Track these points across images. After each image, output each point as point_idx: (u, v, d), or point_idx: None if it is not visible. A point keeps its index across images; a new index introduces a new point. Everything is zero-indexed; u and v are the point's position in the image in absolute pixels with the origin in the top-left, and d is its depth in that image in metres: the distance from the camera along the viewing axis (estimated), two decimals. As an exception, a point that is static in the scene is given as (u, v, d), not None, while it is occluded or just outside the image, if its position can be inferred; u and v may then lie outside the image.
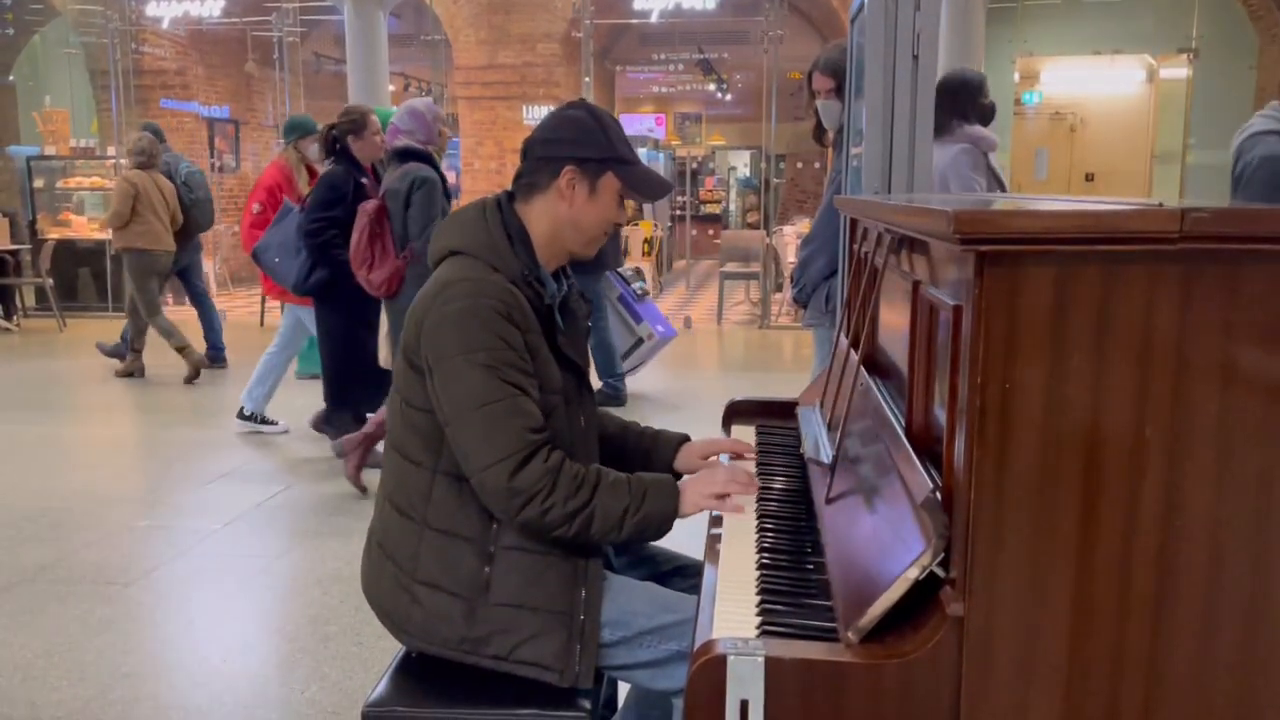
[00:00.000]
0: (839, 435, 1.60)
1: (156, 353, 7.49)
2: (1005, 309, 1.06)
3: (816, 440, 1.80)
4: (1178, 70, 11.56)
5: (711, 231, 16.84)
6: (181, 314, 8.01)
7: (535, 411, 1.63)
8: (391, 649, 2.86)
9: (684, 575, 1.91)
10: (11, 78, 14.15)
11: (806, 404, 2.19)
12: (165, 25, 12.57)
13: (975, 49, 7.04)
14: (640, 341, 6.50)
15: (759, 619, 1.30)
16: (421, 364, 1.67)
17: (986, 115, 3.85)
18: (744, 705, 1.13)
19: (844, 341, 1.95)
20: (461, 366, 1.61)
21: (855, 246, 2.19)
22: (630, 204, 1.88)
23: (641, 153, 1.73)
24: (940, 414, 1.28)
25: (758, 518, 1.69)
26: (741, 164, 20.21)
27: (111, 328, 7.54)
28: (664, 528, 1.69)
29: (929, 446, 1.33)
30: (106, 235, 7.05)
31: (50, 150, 11.50)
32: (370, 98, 8.05)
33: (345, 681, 2.79)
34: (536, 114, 12.34)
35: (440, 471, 1.69)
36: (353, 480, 4.36)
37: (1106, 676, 1.10)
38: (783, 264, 9.90)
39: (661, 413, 6.07)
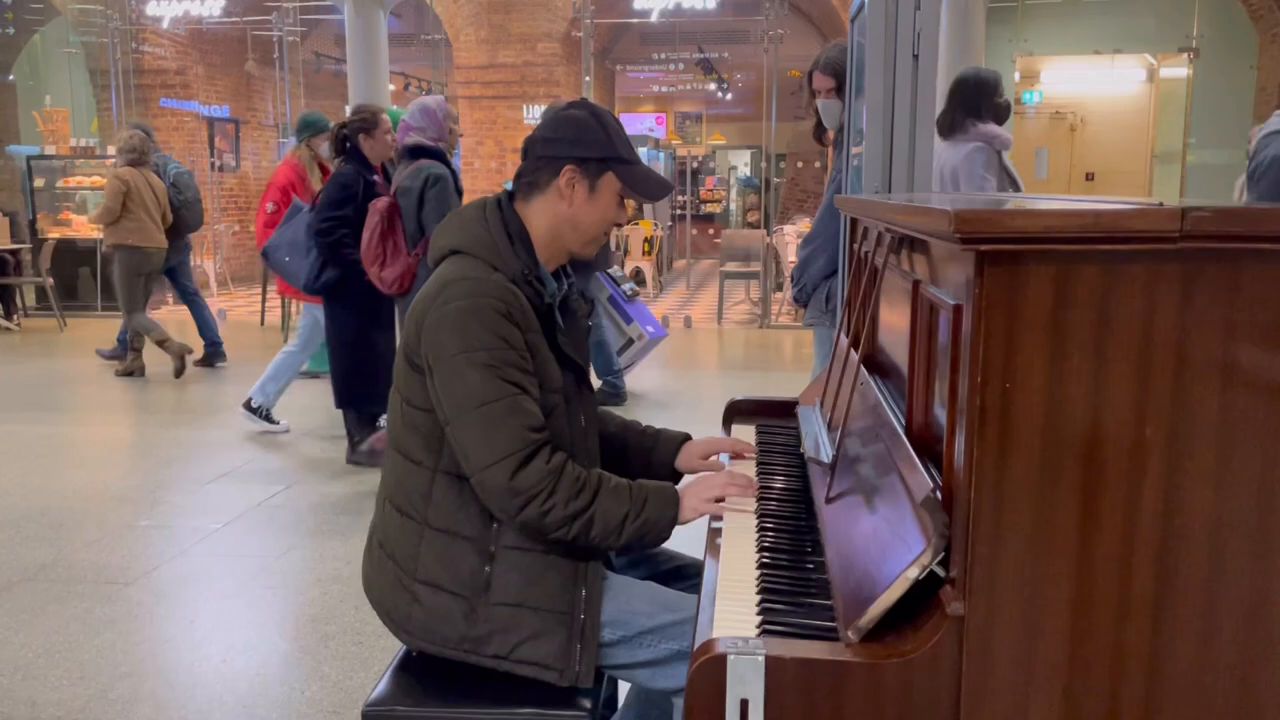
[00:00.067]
0: (839, 435, 1.60)
1: (156, 352, 7.50)
2: (1006, 308, 1.06)
3: (817, 439, 1.80)
4: (1178, 70, 11.56)
5: (712, 231, 16.84)
6: (179, 314, 8.00)
7: (536, 411, 1.63)
8: (391, 648, 2.86)
9: (684, 575, 1.91)
10: (11, 77, 14.16)
11: (807, 403, 2.19)
12: (165, 24, 12.58)
13: (975, 48, 7.04)
14: (631, 342, 6.50)
15: (759, 618, 1.30)
16: (421, 363, 1.67)
17: (1001, 114, 3.86)
18: (744, 704, 1.13)
19: (844, 341, 1.95)
20: (461, 366, 1.61)
21: (855, 246, 2.19)
22: (630, 203, 1.88)
23: (641, 152, 1.73)
24: (940, 413, 1.28)
25: (758, 517, 1.69)
26: (742, 163, 20.22)
27: (111, 328, 7.54)
28: (663, 535, 1.69)
29: (929, 446, 1.33)
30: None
31: (50, 150, 11.51)
32: (370, 97, 8.05)
33: (345, 681, 2.79)
34: (537, 113, 12.33)
35: (440, 471, 1.69)
36: None
37: (1106, 676, 1.10)
38: (783, 263, 9.91)
39: (662, 412, 6.07)
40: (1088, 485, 1.07)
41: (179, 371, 7.06)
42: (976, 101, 3.80)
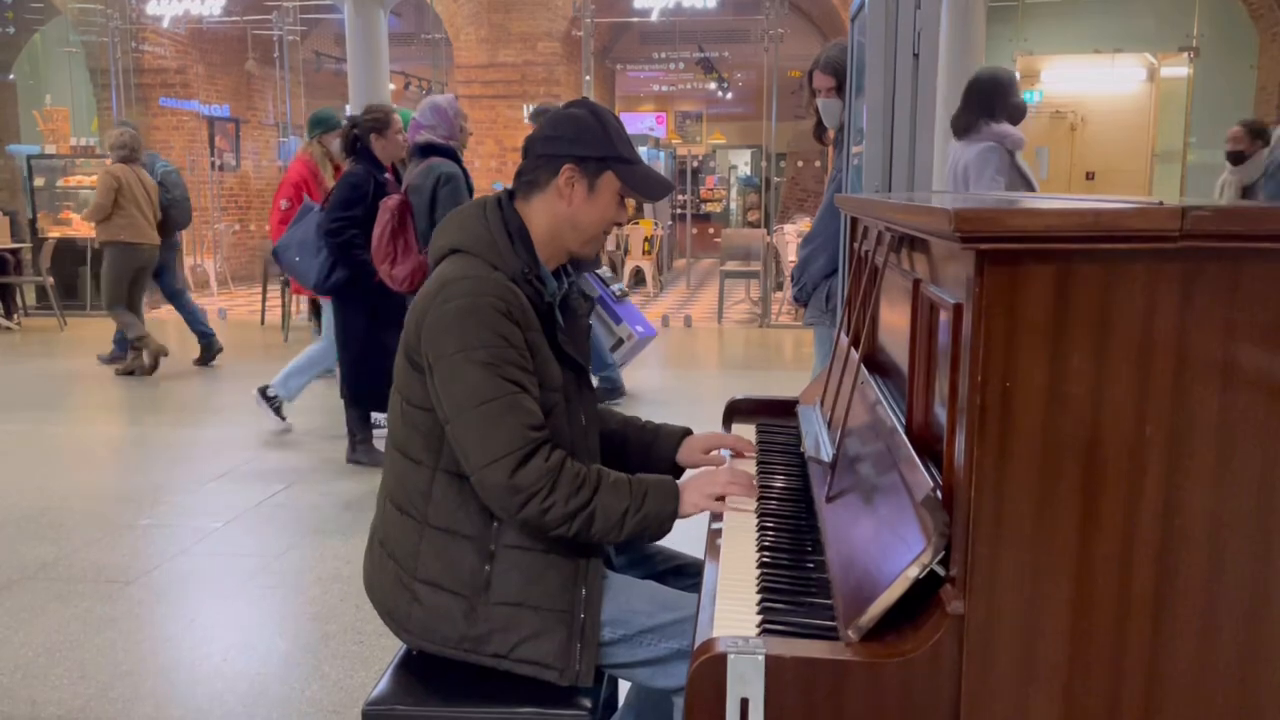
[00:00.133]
0: (839, 434, 1.60)
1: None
2: (1006, 307, 1.06)
3: (817, 439, 1.80)
4: (1178, 69, 11.56)
5: (712, 230, 16.84)
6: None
7: (535, 409, 1.63)
8: (391, 647, 2.86)
9: (684, 574, 1.92)
10: (12, 76, 14.15)
11: (807, 402, 2.19)
12: (165, 24, 12.57)
13: (976, 47, 7.03)
14: (620, 342, 6.51)
15: (759, 617, 1.30)
16: (421, 362, 1.67)
17: (1016, 114, 3.86)
18: (744, 704, 1.13)
19: (844, 340, 1.95)
20: (461, 364, 1.61)
21: (856, 245, 2.19)
22: (630, 203, 1.88)
23: (641, 151, 1.73)
24: (941, 412, 1.28)
25: (758, 516, 1.69)
26: (742, 162, 20.22)
27: (111, 327, 7.54)
28: (664, 528, 1.69)
29: (929, 445, 1.33)
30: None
31: (51, 149, 11.50)
32: (371, 96, 8.03)
33: (345, 680, 2.79)
34: (538, 113, 12.31)
35: (440, 470, 1.69)
36: None
37: (1107, 675, 1.10)
38: (783, 263, 9.90)
39: (662, 411, 6.06)
40: (1088, 484, 1.07)
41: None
42: (990, 101, 3.81)
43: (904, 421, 1.42)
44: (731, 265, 10.47)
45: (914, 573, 1.12)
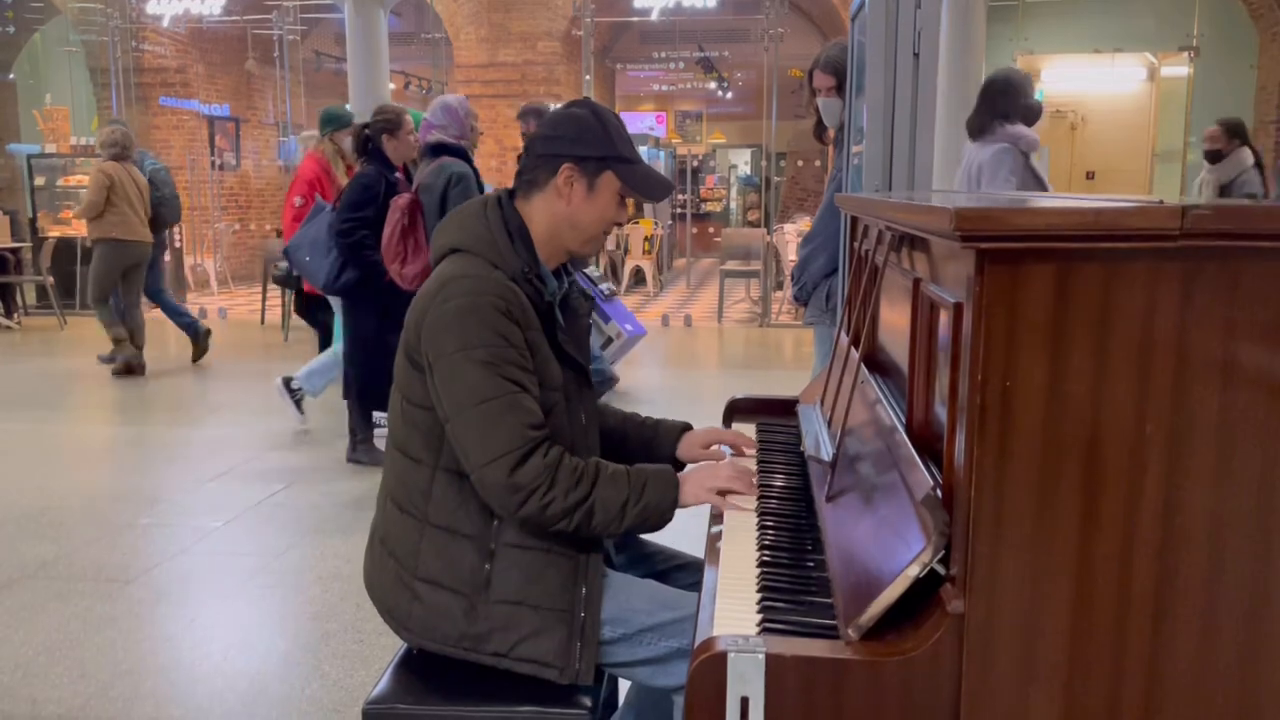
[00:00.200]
0: (839, 433, 1.60)
1: (156, 350, 7.50)
2: (1006, 306, 1.06)
3: (817, 438, 1.80)
4: (1178, 68, 11.56)
5: (712, 229, 16.84)
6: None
7: (535, 408, 1.63)
8: (391, 646, 2.86)
9: (684, 573, 1.92)
10: (12, 75, 14.15)
11: (807, 402, 2.19)
12: (165, 23, 12.57)
13: (976, 47, 7.03)
14: (609, 340, 6.52)
15: (760, 616, 1.30)
16: (421, 361, 1.67)
17: (1031, 115, 3.87)
18: (744, 702, 1.13)
19: (844, 339, 1.95)
20: (461, 363, 1.61)
21: (856, 244, 2.19)
22: (631, 202, 1.88)
23: (641, 151, 1.73)
24: (941, 411, 1.28)
25: (758, 515, 1.69)
26: (742, 162, 20.21)
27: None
28: (665, 518, 1.69)
29: (929, 444, 1.33)
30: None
31: (51, 148, 11.49)
32: (371, 96, 8.04)
33: (345, 679, 2.79)
34: (538, 112, 12.32)
35: (440, 468, 1.69)
36: None
37: (1107, 674, 1.10)
38: (783, 262, 9.90)
39: (662, 410, 6.04)
40: (1088, 483, 1.07)
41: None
42: (1004, 103, 3.82)
43: (904, 420, 1.42)
44: (731, 265, 10.47)
45: (914, 572, 1.12)
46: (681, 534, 1.84)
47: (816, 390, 2.13)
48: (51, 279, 9.55)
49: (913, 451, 1.30)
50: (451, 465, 1.68)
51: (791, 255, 8.73)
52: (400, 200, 4.24)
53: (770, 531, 1.62)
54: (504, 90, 13.31)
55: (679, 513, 1.72)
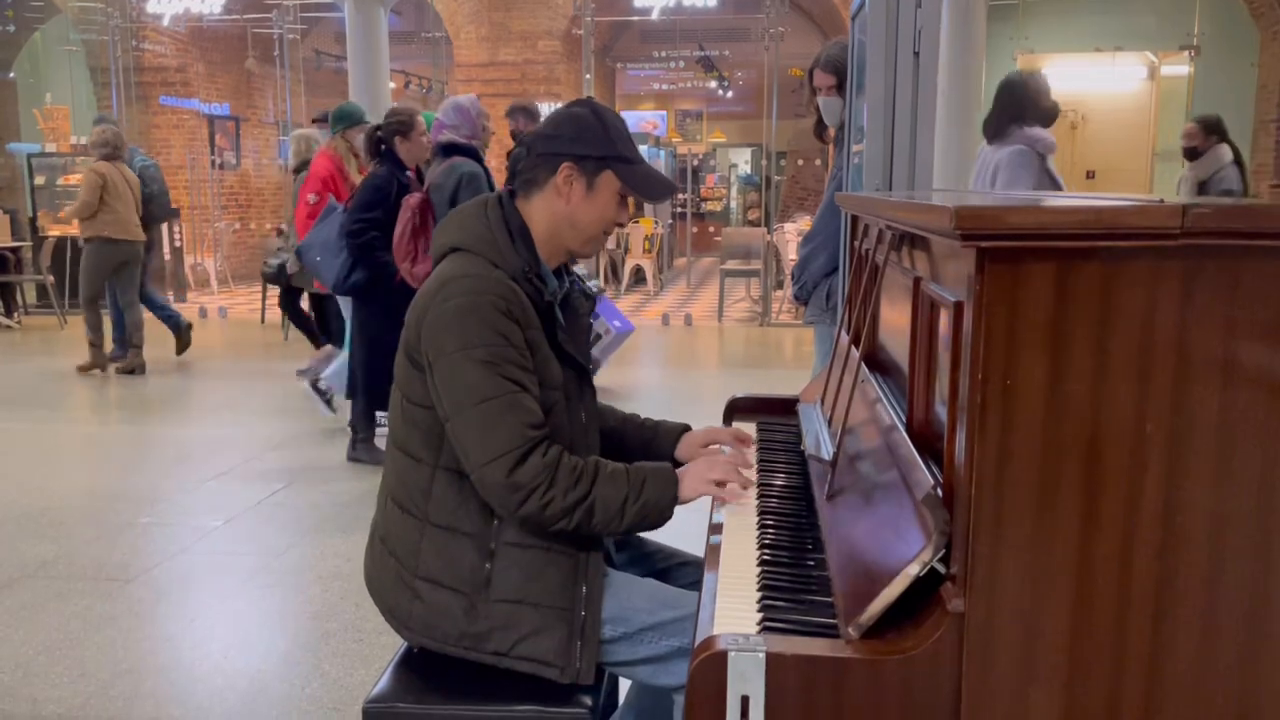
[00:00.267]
0: (840, 432, 1.60)
1: (157, 349, 7.50)
2: (1006, 305, 1.06)
3: (817, 437, 1.80)
4: (1179, 67, 11.54)
5: (712, 229, 16.84)
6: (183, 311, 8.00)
7: (535, 408, 1.63)
8: (391, 645, 2.86)
9: (684, 571, 1.92)
10: (12, 74, 14.14)
11: (807, 401, 2.19)
12: (166, 22, 12.56)
13: (976, 46, 7.02)
14: (598, 337, 6.52)
15: (760, 615, 1.30)
16: (422, 360, 1.67)
17: (1047, 117, 3.87)
18: (745, 701, 1.13)
19: (845, 338, 1.95)
20: (461, 362, 1.61)
21: (856, 243, 2.19)
22: (632, 201, 1.88)
23: (641, 150, 1.72)
24: (941, 410, 1.28)
25: (759, 514, 1.69)
26: (742, 161, 20.21)
27: (109, 327, 7.54)
28: (665, 515, 1.69)
29: (930, 443, 1.33)
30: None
31: (51, 147, 11.49)
32: (371, 95, 8.02)
33: (345, 678, 2.79)
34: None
35: (441, 467, 1.69)
36: None
37: (1107, 673, 1.10)
38: (783, 261, 9.90)
39: (662, 409, 6.06)
40: (1088, 482, 1.07)
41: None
42: (1020, 105, 3.82)
43: (904, 419, 1.42)
44: (732, 264, 10.47)
45: (914, 570, 1.12)
46: (681, 533, 1.84)
47: (817, 389, 2.13)
48: (52, 278, 9.55)
49: (913, 450, 1.30)
50: (451, 464, 1.68)
51: (792, 254, 8.72)
52: (411, 200, 4.27)
53: (770, 530, 1.62)
54: (504, 89, 13.30)
55: (678, 511, 1.72)
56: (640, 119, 16.46)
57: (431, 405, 1.67)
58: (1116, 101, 12.15)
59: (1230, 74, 10.77)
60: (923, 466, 1.24)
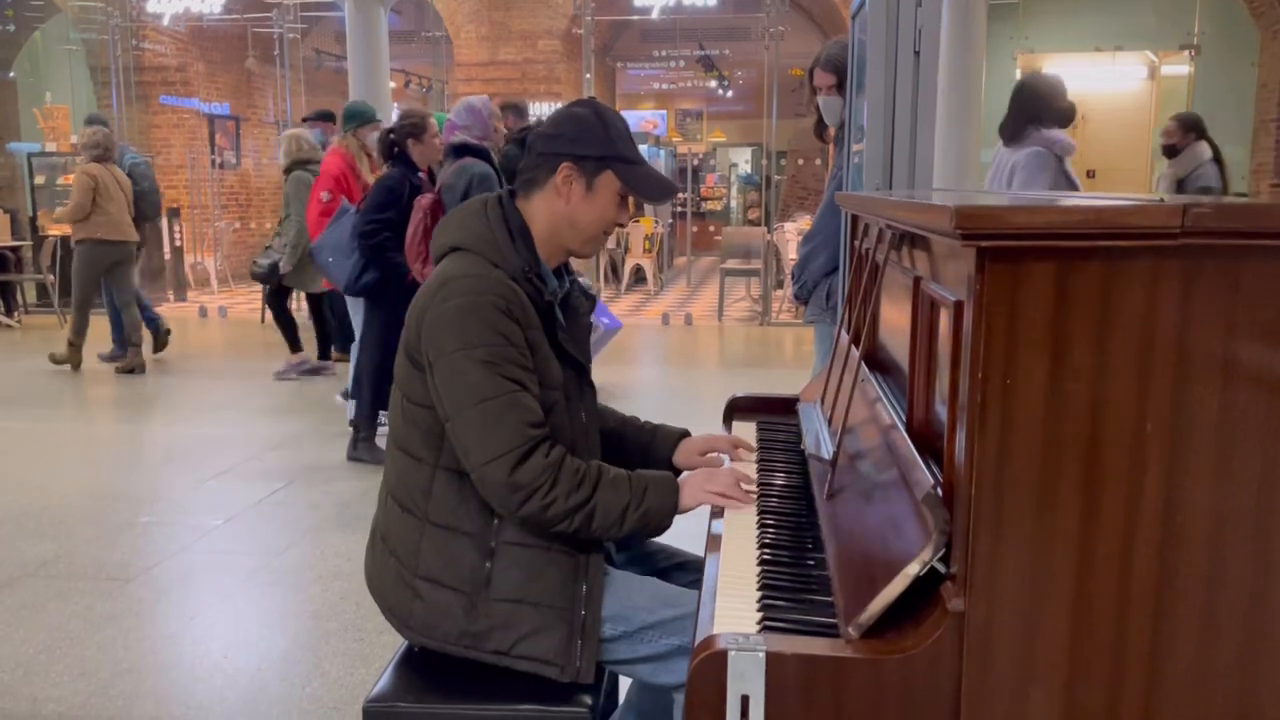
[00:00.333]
0: (840, 431, 1.60)
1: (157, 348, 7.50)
2: (1006, 304, 1.06)
3: (817, 436, 1.80)
4: (1179, 67, 11.54)
5: (712, 228, 16.83)
6: (180, 310, 7.99)
7: (535, 407, 1.63)
8: (392, 645, 2.86)
9: (684, 571, 1.92)
10: (12, 74, 14.14)
11: (807, 400, 2.19)
12: (166, 21, 12.56)
13: (976, 45, 7.02)
14: None
15: (760, 614, 1.30)
16: (422, 360, 1.67)
17: (1064, 117, 3.87)
18: (745, 700, 1.13)
19: (845, 338, 1.95)
20: (461, 362, 1.61)
21: (856, 243, 2.19)
22: (633, 201, 1.88)
23: (641, 149, 1.72)
24: (941, 410, 1.28)
25: (759, 514, 1.69)
26: (742, 160, 20.19)
27: (108, 327, 7.54)
28: (664, 524, 1.69)
29: (930, 442, 1.33)
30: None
31: (51, 146, 11.48)
32: (371, 94, 8.02)
33: (346, 677, 2.80)
34: (537, 111, 12.34)
35: (441, 467, 1.69)
36: None
37: (1107, 672, 1.10)
38: (783, 260, 9.90)
39: (662, 409, 6.07)
40: (1088, 482, 1.07)
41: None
42: (1037, 107, 3.83)
43: (904, 419, 1.42)
44: (732, 263, 10.47)
45: (914, 570, 1.12)
46: (681, 533, 1.84)
47: (817, 389, 2.13)
48: (52, 277, 9.55)
49: (913, 450, 1.30)
50: (452, 464, 1.68)
51: (792, 254, 8.72)
52: (423, 200, 4.29)
53: (771, 530, 1.62)
54: (504, 89, 13.29)
55: (679, 515, 1.72)
56: (640, 118, 16.47)
57: (431, 405, 1.67)
58: (1117, 101, 12.14)
59: (1230, 73, 10.77)
60: (923, 466, 1.24)
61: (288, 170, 6.59)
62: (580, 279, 1.91)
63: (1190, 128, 6.10)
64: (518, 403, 1.61)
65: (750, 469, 1.92)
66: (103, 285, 7.14)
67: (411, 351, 1.70)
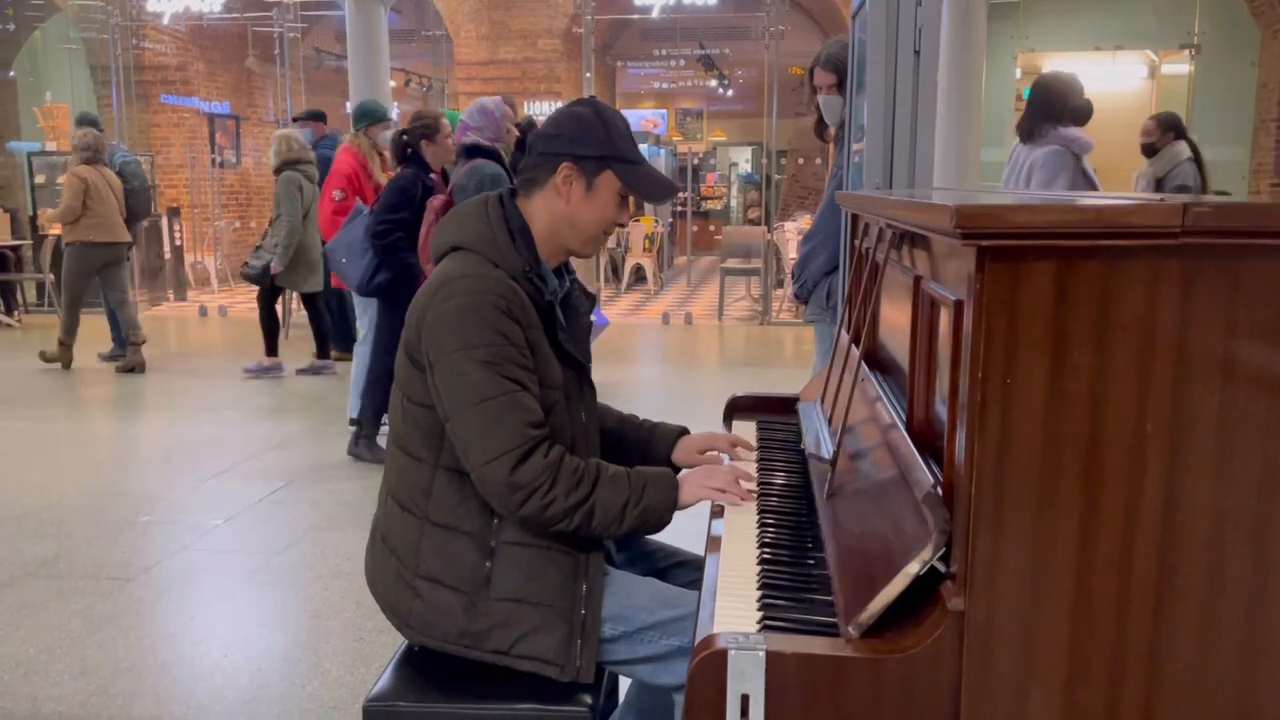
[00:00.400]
0: (840, 431, 1.60)
1: (157, 348, 7.50)
2: (1006, 304, 1.06)
3: (817, 435, 1.80)
4: (1179, 66, 11.53)
5: (712, 227, 16.83)
6: (179, 310, 7.98)
7: (535, 407, 1.64)
8: (392, 644, 2.86)
9: (684, 570, 1.92)
10: (12, 73, 14.14)
11: (808, 399, 2.19)
12: (166, 21, 12.56)
13: (977, 44, 7.02)
14: None
15: (760, 614, 1.30)
16: (422, 360, 1.67)
17: (1081, 116, 3.87)
18: (745, 700, 1.13)
19: (845, 337, 1.95)
20: (461, 362, 1.61)
21: (856, 242, 2.19)
22: (633, 201, 1.88)
23: (641, 149, 1.72)
24: (941, 409, 1.28)
25: (759, 513, 1.69)
26: (743, 160, 20.19)
27: (108, 327, 7.54)
28: (664, 520, 1.69)
29: (930, 441, 1.33)
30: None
31: (51, 146, 11.48)
32: (371, 93, 8.02)
33: (346, 676, 2.80)
34: (537, 110, 12.34)
35: (441, 467, 1.69)
36: None
37: (1107, 672, 1.10)
38: (784, 260, 9.90)
39: (662, 408, 6.07)
40: (1088, 481, 1.07)
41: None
42: (1054, 106, 3.83)
43: (904, 418, 1.42)
44: (732, 263, 10.46)
45: (914, 569, 1.12)
46: (681, 532, 1.84)
47: (817, 388, 2.13)
48: (52, 277, 9.53)
49: (913, 449, 1.30)
50: (452, 464, 1.68)
51: (792, 253, 8.72)
52: (435, 201, 4.31)
53: (770, 529, 1.62)
54: (504, 88, 13.27)
55: (678, 511, 1.72)
56: (640, 117, 16.47)
57: (432, 405, 1.67)
58: (1117, 101, 12.12)
59: (1230, 73, 10.76)
60: (923, 465, 1.25)
61: (277, 171, 6.59)
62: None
63: (1169, 127, 6.12)
64: (518, 403, 1.61)
65: (750, 467, 1.92)
66: (98, 286, 7.14)
67: (412, 351, 1.70)
